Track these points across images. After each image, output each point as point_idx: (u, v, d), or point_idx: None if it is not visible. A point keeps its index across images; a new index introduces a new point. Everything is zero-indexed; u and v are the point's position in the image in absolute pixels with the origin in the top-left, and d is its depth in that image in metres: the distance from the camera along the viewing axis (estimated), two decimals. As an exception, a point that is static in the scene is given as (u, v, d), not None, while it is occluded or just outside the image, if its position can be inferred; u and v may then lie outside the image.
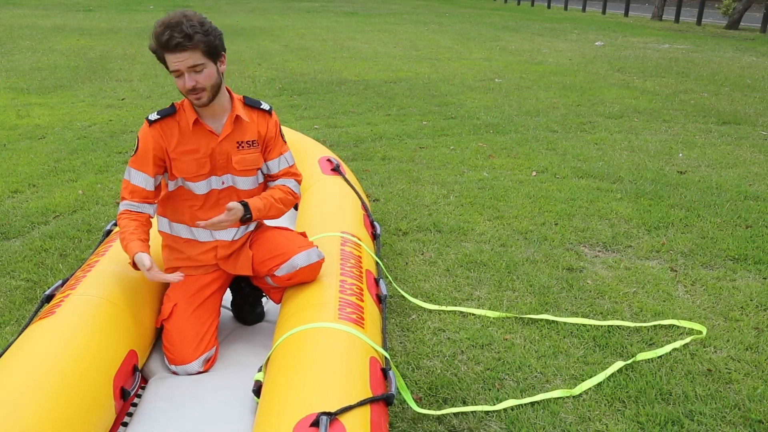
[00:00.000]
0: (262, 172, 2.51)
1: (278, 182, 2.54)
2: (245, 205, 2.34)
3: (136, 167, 2.33)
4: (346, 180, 3.51)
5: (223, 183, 2.42)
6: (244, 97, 2.45)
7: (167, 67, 2.22)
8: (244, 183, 2.45)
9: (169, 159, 2.34)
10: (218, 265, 2.49)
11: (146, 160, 2.31)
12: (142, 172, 2.32)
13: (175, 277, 2.24)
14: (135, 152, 2.33)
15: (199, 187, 2.39)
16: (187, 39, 2.11)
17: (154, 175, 2.34)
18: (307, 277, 2.38)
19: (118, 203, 2.47)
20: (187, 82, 2.18)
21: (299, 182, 2.57)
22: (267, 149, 2.49)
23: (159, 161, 2.33)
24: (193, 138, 2.34)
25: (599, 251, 3.74)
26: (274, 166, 2.51)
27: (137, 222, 2.32)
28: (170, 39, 2.11)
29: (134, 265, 2.24)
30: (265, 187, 2.56)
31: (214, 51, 2.21)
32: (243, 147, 2.40)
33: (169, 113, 2.34)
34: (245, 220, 2.35)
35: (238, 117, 2.38)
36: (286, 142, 2.55)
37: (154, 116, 2.33)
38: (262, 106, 2.46)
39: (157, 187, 2.39)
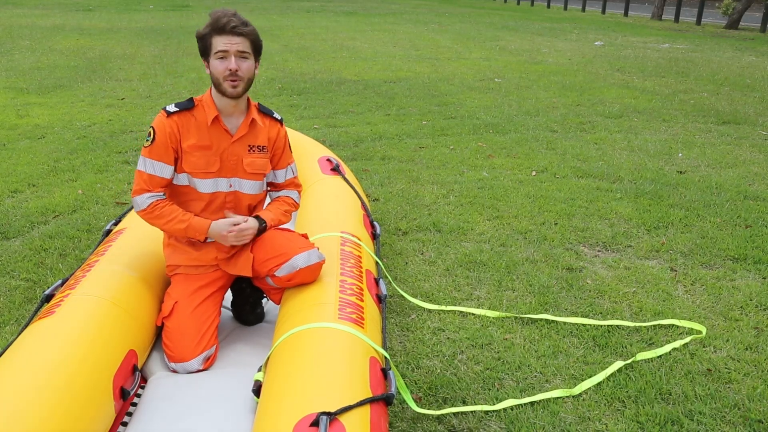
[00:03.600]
0: (267, 179, 2.58)
1: (282, 193, 2.66)
2: (257, 218, 2.47)
3: (155, 157, 2.34)
4: (345, 180, 3.51)
5: (230, 186, 2.46)
6: (258, 104, 2.54)
7: (207, 53, 2.30)
8: (250, 187, 2.50)
9: (181, 152, 2.37)
10: (219, 265, 2.50)
11: (164, 149, 2.34)
12: (161, 162, 2.34)
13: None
14: (151, 143, 2.34)
15: (205, 185, 2.41)
16: (244, 25, 2.31)
17: (173, 164, 2.37)
18: (307, 278, 2.38)
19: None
20: (232, 63, 2.28)
21: (300, 192, 2.71)
22: (276, 158, 2.57)
23: (174, 152, 2.36)
24: (207, 134, 2.38)
25: (599, 251, 3.74)
26: (281, 175, 2.62)
27: (175, 205, 2.38)
28: (229, 22, 2.27)
29: (200, 240, 2.42)
30: (266, 195, 2.63)
31: (258, 48, 2.39)
32: (254, 151, 2.47)
33: (187, 107, 2.38)
34: (262, 230, 2.47)
35: (253, 120, 2.46)
36: (292, 153, 2.66)
37: (172, 108, 2.36)
38: (274, 115, 2.57)
39: (169, 180, 2.41)
